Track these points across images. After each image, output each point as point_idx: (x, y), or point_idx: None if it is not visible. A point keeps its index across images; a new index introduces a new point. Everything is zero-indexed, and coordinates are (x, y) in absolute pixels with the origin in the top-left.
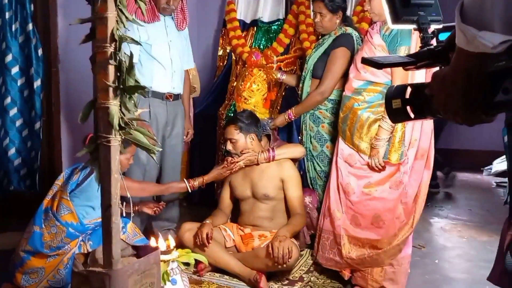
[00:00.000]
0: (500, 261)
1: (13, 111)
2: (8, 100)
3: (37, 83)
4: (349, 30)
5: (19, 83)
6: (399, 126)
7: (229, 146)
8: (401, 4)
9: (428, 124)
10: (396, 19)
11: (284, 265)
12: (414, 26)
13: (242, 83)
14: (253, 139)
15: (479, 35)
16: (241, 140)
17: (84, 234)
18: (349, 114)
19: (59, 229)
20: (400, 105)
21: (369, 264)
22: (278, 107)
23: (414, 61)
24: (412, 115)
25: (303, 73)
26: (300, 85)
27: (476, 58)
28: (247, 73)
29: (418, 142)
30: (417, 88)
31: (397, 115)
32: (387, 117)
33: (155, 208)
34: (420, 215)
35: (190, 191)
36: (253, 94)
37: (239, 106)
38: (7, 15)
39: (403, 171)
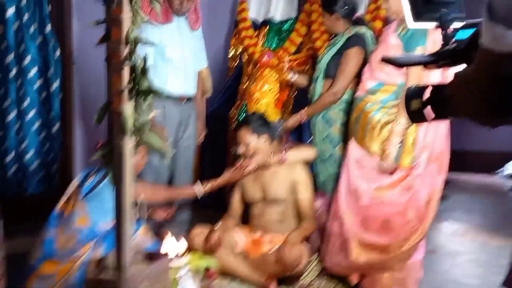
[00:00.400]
0: None
1: (31, 114)
2: (26, 102)
3: (56, 85)
4: (363, 29)
5: (37, 84)
6: (412, 128)
7: (242, 149)
8: (423, 1)
9: (443, 127)
10: (418, 16)
11: (294, 271)
12: (436, 23)
13: (254, 84)
14: (265, 140)
15: (508, 35)
16: (254, 142)
17: (96, 239)
18: (361, 115)
19: (72, 234)
20: (419, 105)
21: (378, 269)
22: (290, 108)
23: (435, 60)
24: (432, 116)
25: (316, 73)
26: (313, 85)
27: (502, 58)
28: (258, 74)
29: (432, 145)
30: (437, 88)
31: (416, 116)
32: (399, 119)
33: (167, 213)
34: (431, 221)
35: (199, 197)
36: (265, 95)
37: (251, 107)
38: (26, 16)
39: (415, 174)
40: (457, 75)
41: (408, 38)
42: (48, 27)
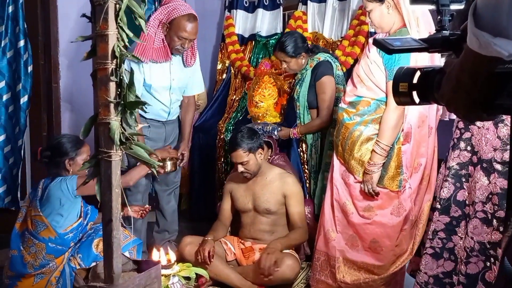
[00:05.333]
0: (501, 265)
1: None
2: None
3: (24, 99)
4: (322, 57)
5: (4, 98)
6: (394, 152)
7: (241, 168)
8: None
9: (430, 147)
10: None
11: (270, 277)
12: (433, 7)
13: (254, 89)
14: (261, 154)
15: (494, 42)
16: (252, 159)
17: (70, 249)
18: (341, 128)
19: (38, 247)
20: (406, 89)
21: None
22: (283, 116)
23: (426, 47)
24: (417, 100)
25: (298, 111)
26: (298, 121)
27: (486, 61)
28: (258, 81)
29: (424, 167)
30: (426, 73)
31: (402, 99)
32: (380, 140)
33: (141, 211)
34: (420, 241)
35: (155, 173)
36: (265, 99)
37: (251, 111)
38: None
39: (402, 198)
40: (448, 63)
41: (389, 56)
42: (22, 42)
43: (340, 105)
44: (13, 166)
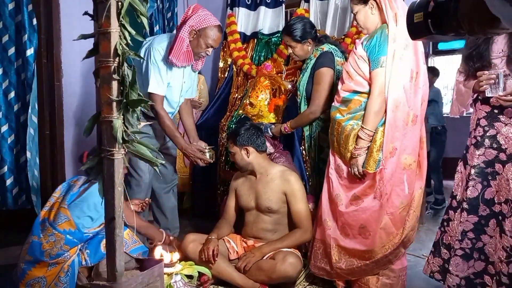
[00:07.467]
0: None
1: (4, 128)
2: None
3: (33, 105)
4: (326, 47)
5: (10, 96)
6: (378, 135)
7: (231, 157)
8: None
9: (414, 134)
10: None
11: (285, 279)
12: None
13: (251, 91)
14: (248, 152)
15: None
16: (237, 153)
17: (82, 243)
18: (334, 125)
19: (57, 237)
20: (422, 18)
21: (359, 274)
22: (280, 115)
23: None
24: (432, 30)
25: (298, 99)
26: (298, 110)
27: None
28: (255, 81)
29: (400, 151)
30: (440, 3)
31: (418, 29)
32: (365, 126)
33: (141, 204)
34: (413, 226)
35: (160, 243)
36: (257, 100)
37: (247, 112)
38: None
39: (384, 181)
40: None
41: (371, 49)
42: (31, 51)
43: (333, 104)
44: (25, 167)
